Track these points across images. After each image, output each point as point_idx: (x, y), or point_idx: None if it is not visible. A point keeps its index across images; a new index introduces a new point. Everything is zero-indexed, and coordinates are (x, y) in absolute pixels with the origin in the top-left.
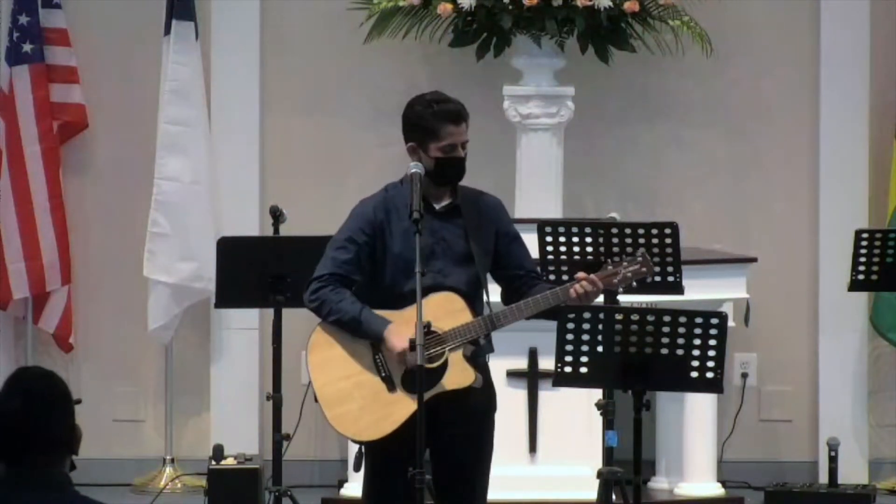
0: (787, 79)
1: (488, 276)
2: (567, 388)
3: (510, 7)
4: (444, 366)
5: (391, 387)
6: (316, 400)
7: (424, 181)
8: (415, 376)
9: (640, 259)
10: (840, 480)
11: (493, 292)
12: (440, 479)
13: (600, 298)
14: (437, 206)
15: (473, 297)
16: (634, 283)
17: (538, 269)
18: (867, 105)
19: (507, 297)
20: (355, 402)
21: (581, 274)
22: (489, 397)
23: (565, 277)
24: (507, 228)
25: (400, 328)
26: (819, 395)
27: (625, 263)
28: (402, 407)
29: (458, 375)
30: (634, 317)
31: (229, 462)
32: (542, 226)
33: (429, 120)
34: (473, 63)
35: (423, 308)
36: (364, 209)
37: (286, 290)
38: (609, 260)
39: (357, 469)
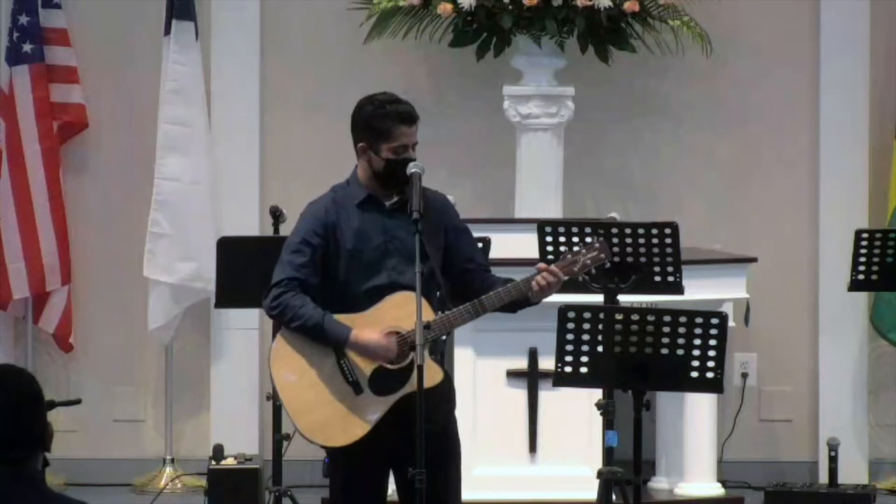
0: (787, 79)
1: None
2: (567, 388)
3: (510, 7)
4: (410, 365)
5: (358, 391)
6: (278, 406)
7: (371, 181)
8: (384, 378)
9: (597, 245)
10: (840, 480)
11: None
12: (409, 484)
13: (600, 298)
14: (387, 204)
15: (429, 294)
16: (594, 270)
17: (488, 263)
18: (867, 105)
19: (458, 292)
20: (324, 409)
21: (542, 265)
22: (449, 393)
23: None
24: (454, 223)
25: (364, 331)
26: (819, 395)
27: (583, 251)
28: (373, 410)
29: (425, 375)
30: (634, 317)
31: (229, 462)
32: (542, 226)
33: (381, 120)
34: (473, 63)
35: (382, 310)
36: (315, 210)
37: None
38: (568, 249)
39: (327, 475)
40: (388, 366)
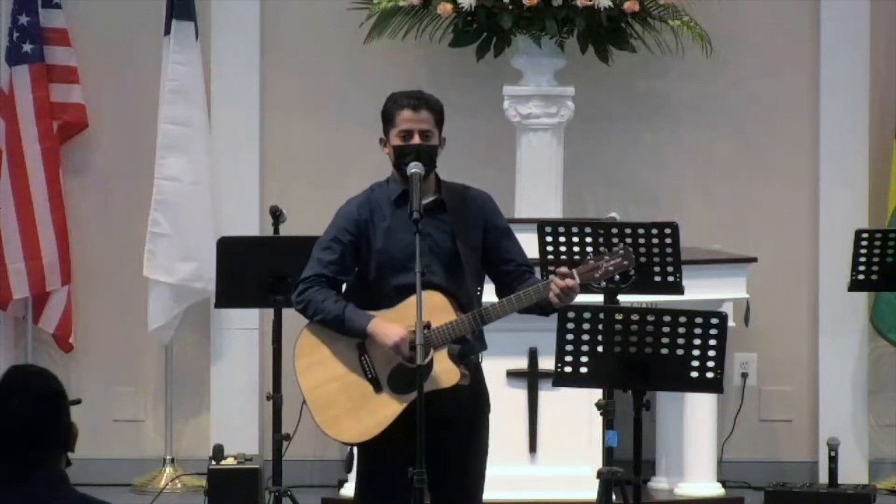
0: (787, 79)
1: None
2: (567, 388)
3: (510, 7)
4: (430, 365)
5: (378, 388)
6: (305, 404)
7: (397, 175)
8: (402, 376)
9: (621, 252)
10: (840, 480)
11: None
12: (433, 481)
13: (600, 298)
14: (423, 202)
15: (459, 295)
16: (617, 276)
17: (530, 262)
18: (867, 105)
19: (499, 293)
20: (343, 404)
21: (563, 269)
22: (479, 397)
23: None
24: (495, 222)
25: (384, 321)
26: (819, 395)
27: (606, 257)
28: (390, 408)
29: (442, 375)
30: (634, 317)
31: (229, 462)
32: (542, 226)
33: (388, 108)
34: (473, 63)
35: (407, 308)
36: (349, 208)
37: (286, 290)
38: (589, 254)
39: (348, 471)
40: (407, 364)
